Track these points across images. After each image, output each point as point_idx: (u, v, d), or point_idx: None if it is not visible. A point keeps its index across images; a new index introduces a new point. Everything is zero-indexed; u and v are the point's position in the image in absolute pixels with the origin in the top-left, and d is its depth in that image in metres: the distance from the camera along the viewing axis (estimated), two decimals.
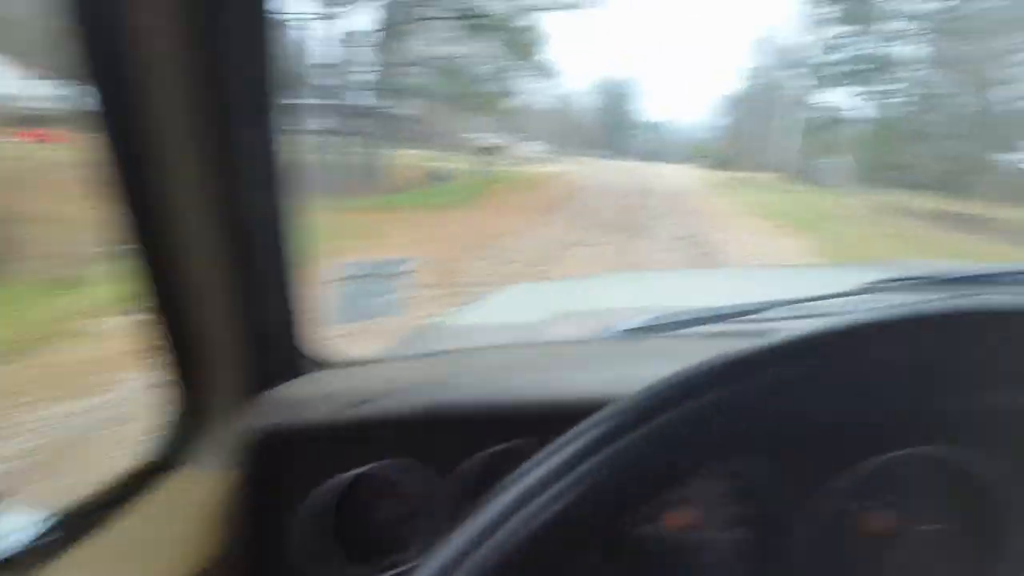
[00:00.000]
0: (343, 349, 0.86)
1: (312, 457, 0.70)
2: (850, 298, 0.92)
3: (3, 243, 3.23)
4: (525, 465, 0.36)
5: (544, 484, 0.35)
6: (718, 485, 0.67)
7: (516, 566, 0.34)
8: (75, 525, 0.58)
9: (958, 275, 0.93)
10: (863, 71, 26.37)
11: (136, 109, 0.55)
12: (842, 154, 22.54)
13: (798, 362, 0.38)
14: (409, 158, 17.84)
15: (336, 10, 13.84)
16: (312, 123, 14.05)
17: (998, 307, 0.36)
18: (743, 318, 0.90)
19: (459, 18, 14.77)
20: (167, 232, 0.60)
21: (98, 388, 2.87)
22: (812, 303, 0.90)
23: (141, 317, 0.65)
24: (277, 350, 0.75)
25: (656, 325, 0.92)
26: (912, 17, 23.55)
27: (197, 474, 0.69)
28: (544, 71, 19.16)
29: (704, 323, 0.90)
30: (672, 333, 0.90)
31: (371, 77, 15.02)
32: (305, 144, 13.39)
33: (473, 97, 16.78)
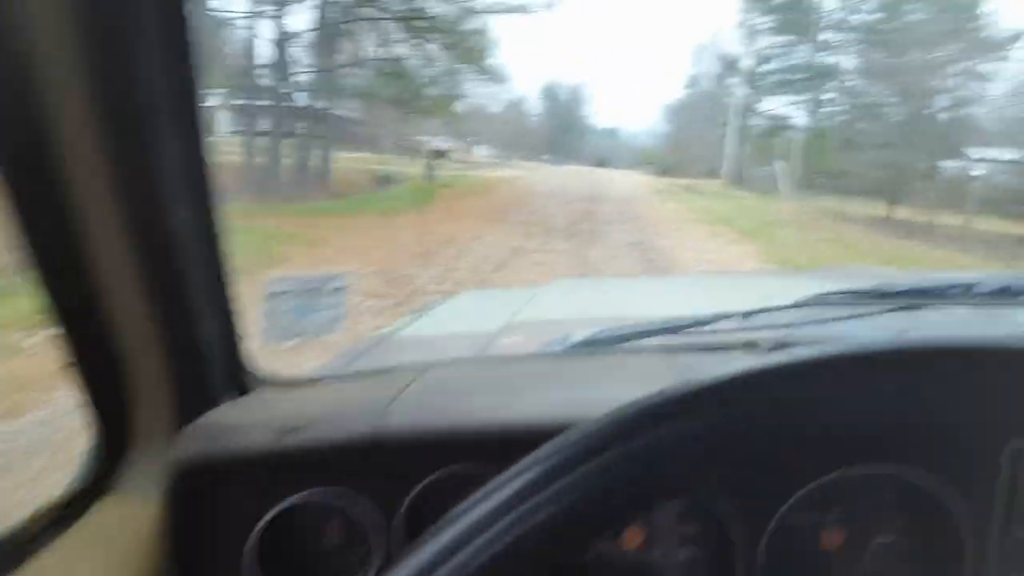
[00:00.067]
0: (281, 368, 0.82)
1: (243, 486, 0.66)
2: (797, 310, 0.94)
3: None
4: (471, 497, 0.35)
5: (492, 518, 0.34)
6: (673, 505, 0.67)
7: None
8: None
9: (898, 289, 0.97)
10: (798, 80, 27.46)
11: (35, 111, 0.50)
12: (782, 161, 23.36)
13: (751, 396, 0.39)
14: (356, 162, 17.64)
15: (275, 8, 13.55)
16: (251, 125, 13.76)
17: (934, 345, 0.41)
18: (692, 330, 0.91)
19: (403, 19, 14.68)
20: (76, 244, 0.56)
21: (25, 408, 2.70)
22: (760, 315, 0.93)
23: (56, 336, 0.60)
24: (209, 370, 0.71)
25: (607, 337, 0.93)
26: (848, 28, 24.67)
27: (121, 506, 0.65)
28: (493, 75, 19.24)
29: (654, 335, 0.90)
30: (623, 346, 0.90)
31: (312, 78, 14.77)
32: (244, 147, 13.12)
33: (421, 100, 16.70)
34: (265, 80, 14.17)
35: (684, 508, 0.66)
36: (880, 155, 17.79)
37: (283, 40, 13.70)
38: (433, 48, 15.86)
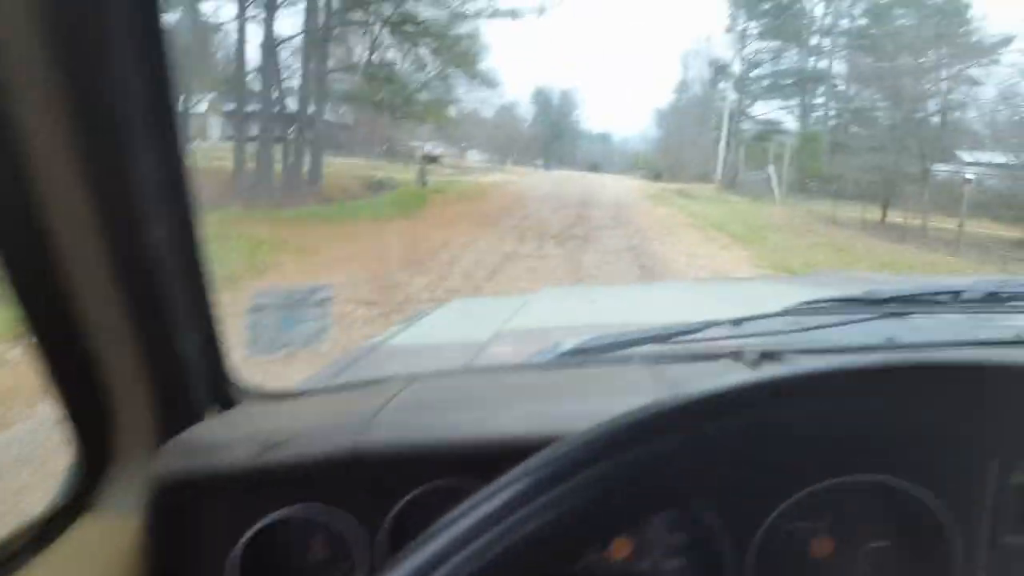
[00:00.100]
0: (269, 379, 0.81)
1: (225, 502, 0.66)
2: (787, 318, 0.94)
3: None
4: (458, 509, 0.35)
5: (480, 529, 0.34)
6: (662, 515, 0.66)
7: None
8: None
9: (887, 295, 0.97)
10: (788, 85, 27.69)
11: (8, 121, 0.49)
12: (774, 165, 23.49)
13: (740, 410, 0.39)
14: (347, 167, 17.61)
15: (265, 13, 13.53)
16: (242, 131, 13.72)
17: (923, 363, 0.42)
18: (681, 337, 0.90)
19: (394, 24, 14.69)
20: (52, 256, 0.55)
21: (10, 421, 2.67)
22: (749, 322, 0.92)
23: (33, 350, 0.59)
24: (192, 384, 0.70)
25: (596, 346, 0.92)
26: (838, 33, 24.89)
27: (102, 522, 0.64)
28: (485, 80, 19.31)
29: (643, 343, 0.90)
30: (612, 355, 0.90)
31: (303, 83, 14.75)
32: (235, 153, 13.08)
33: (412, 105, 16.72)
34: (256, 85, 14.15)
35: (672, 518, 0.66)
36: (872, 159, 17.91)
37: (273, 45, 13.68)
38: (424, 53, 15.91)
